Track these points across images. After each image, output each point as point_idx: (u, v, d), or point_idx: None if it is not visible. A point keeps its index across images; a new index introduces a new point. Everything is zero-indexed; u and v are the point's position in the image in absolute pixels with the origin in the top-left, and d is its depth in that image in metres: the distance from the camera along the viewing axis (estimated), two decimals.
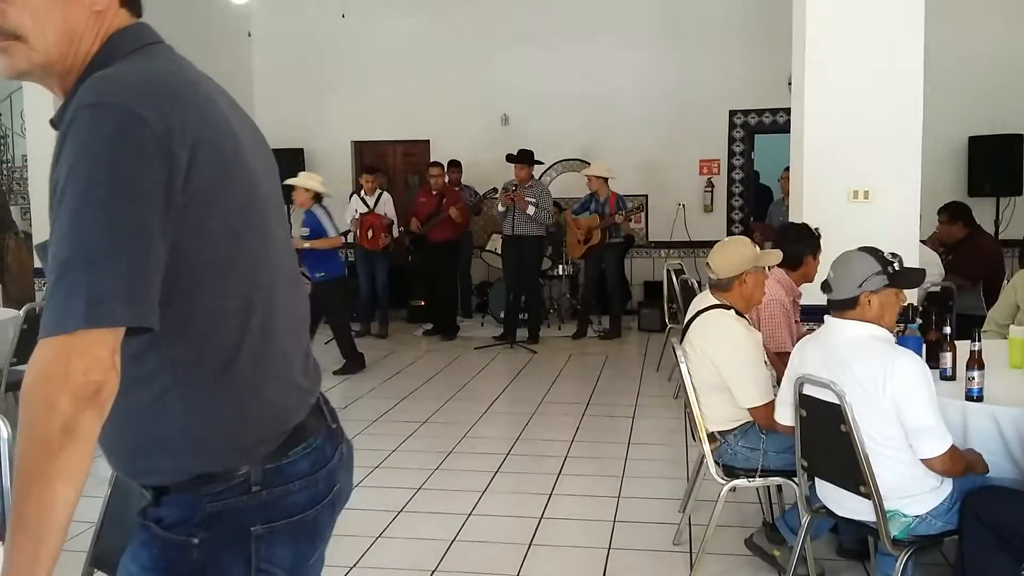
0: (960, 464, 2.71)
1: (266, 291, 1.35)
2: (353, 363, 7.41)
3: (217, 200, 1.26)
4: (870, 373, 2.69)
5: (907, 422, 2.66)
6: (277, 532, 1.35)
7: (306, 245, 6.96)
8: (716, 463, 3.46)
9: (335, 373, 7.25)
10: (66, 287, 1.12)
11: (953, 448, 2.69)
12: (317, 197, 7.14)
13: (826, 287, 2.93)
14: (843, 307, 2.86)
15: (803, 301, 4.34)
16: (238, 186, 1.30)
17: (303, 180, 7.19)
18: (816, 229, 4.37)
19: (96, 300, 1.11)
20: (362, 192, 9.05)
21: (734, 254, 3.53)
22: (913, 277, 2.98)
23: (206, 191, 1.23)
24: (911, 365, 2.68)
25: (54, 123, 1.29)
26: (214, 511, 1.32)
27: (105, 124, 1.16)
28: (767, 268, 3.72)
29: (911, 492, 2.74)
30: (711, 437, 3.49)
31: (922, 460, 2.70)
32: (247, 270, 1.31)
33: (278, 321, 1.38)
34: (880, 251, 2.91)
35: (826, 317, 2.96)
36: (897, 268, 2.86)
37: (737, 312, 3.51)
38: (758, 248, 3.64)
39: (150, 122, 1.17)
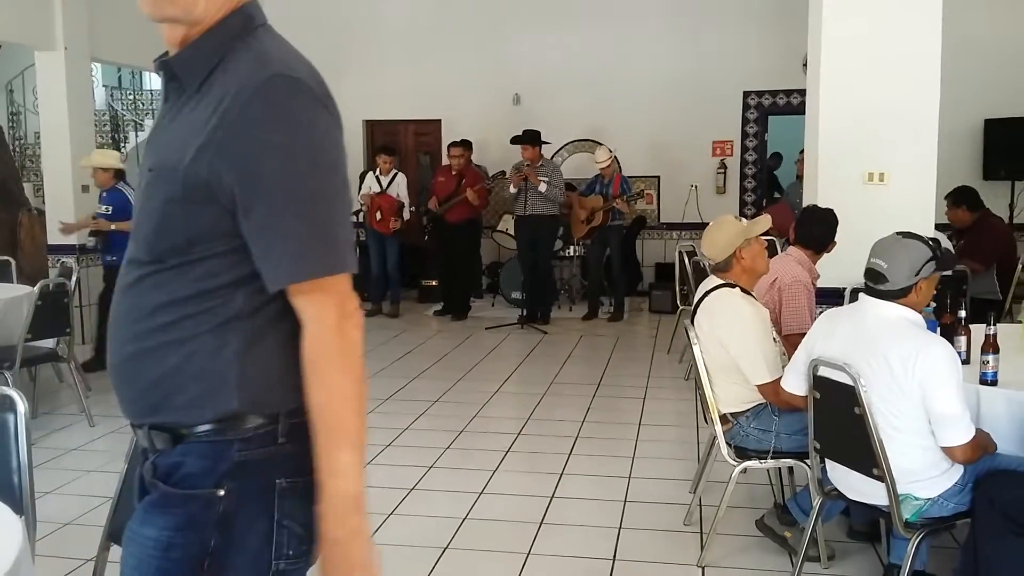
0: (979, 452, 2.71)
1: None
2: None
3: None
4: (901, 355, 2.67)
5: (933, 408, 2.65)
6: (299, 488, 1.37)
7: (112, 227, 6.49)
8: (728, 444, 3.47)
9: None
10: (311, 236, 1.29)
11: (975, 437, 2.68)
12: (119, 174, 6.68)
13: (878, 277, 2.79)
14: (897, 296, 2.78)
15: (819, 284, 4.34)
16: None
17: (100, 158, 6.68)
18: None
19: (341, 247, 1.32)
20: (377, 171, 9.03)
21: (721, 235, 3.54)
22: (950, 259, 2.97)
23: None
24: (944, 351, 2.67)
25: (174, 68, 1.39)
26: (241, 459, 1.34)
27: (306, 98, 1.31)
28: (776, 242, 3.70)
29: (924, 475, 2.75)
30: (723, 419, 3.50)
31: (943, 447, 2.69)
32: None
33: None
34: (921, 235, 2.90)
35: (861, 295, 2.92)
36: (941, 252, 2.85)
37: (743, 290, 3.51)
38: (744, 220, 3.64)
39: (330, 106, 1.36)
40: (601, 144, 9.25)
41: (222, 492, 1.33)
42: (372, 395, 6.07)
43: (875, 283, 2.80)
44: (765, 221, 3.68)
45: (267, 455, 1.35)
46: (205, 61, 1.36)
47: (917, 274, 2.77)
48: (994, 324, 3.00)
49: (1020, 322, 3.64)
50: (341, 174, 1.35)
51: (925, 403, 2.65)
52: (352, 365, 1.33)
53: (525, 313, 8.51)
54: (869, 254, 2.88)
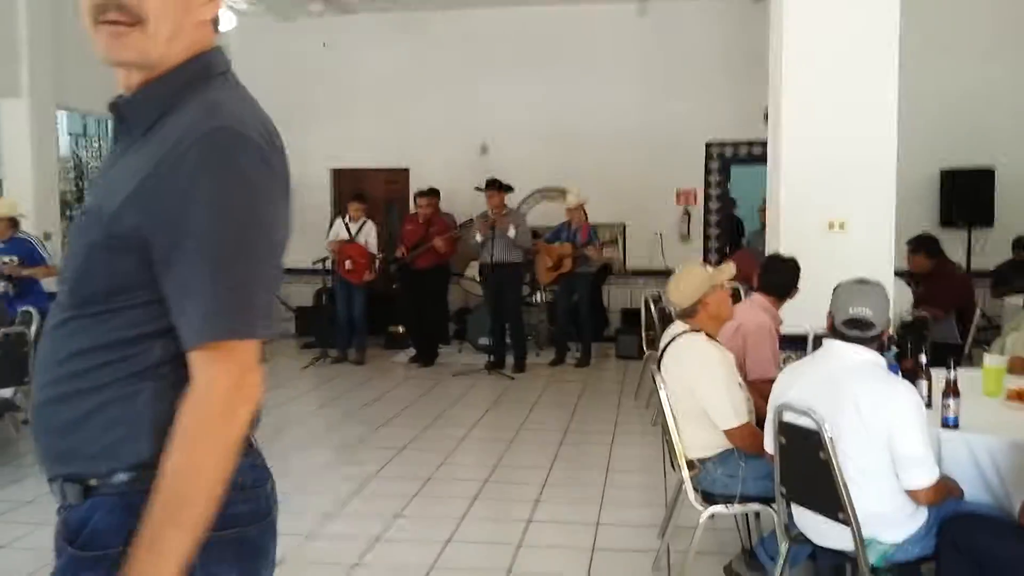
0: (942, 495, 2.74)
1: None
2: None
3: None
4: (871, 398, 2.71)
5: (898, 449, 2.68)
6: (217, 544, 1.28)
7: (25, 273, 6.41)
8: (695, 490, 3.47)
9: None
10: (225, 296, 1.22)
11: (939, 481, 2.71)
12: (14, 223, 6.57)
13: (865, 325, 2.82)
14: (873, 341, 2.84)
15: (782, 330, 4.39)
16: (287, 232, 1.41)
17: None
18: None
19: (256, 314, 1.25)
20: (347, 218, 9.03)
21: (688, 282, 3.60)
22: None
23: None
24: (910, 395, 2.73)
25: (122, 110, 1.37)
26: None
27: (249, 154, 1.27)
28: (740, 290, 3.77)
29: (889, 519, 2.76)
30: (690, 464, 3.50)
31: (908, 491, 2.72)
32: None
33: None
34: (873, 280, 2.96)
35: (826, 341, 2.96)
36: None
37: (708, 335, 3.56)
38: (709, 268, 3.71)
39: (276, 166, 1.32)
40: (570, 190, 9.34)
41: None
42: (338, 443, 6.01)
43: (863, 331, 2.83)
44: (729, 269, 3.73)
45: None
46: (154, 107, 1.33)
47: (889, 317, 2.87)
48: (954, 369, 3.05)
49: (981, 367, 3.70)
50: (272, 238, 1.30)
51: (891, 444, 2.68)
52: (225, 442, 1.23)
53: (492, 359, 8.49)
54: (842, 303, 2.88)
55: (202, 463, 1.21)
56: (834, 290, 2.96)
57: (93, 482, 1.30)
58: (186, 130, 1.26)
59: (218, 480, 1.22)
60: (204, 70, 1.37)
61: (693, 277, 3.61)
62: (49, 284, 6.62)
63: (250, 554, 1.36)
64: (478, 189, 8.53)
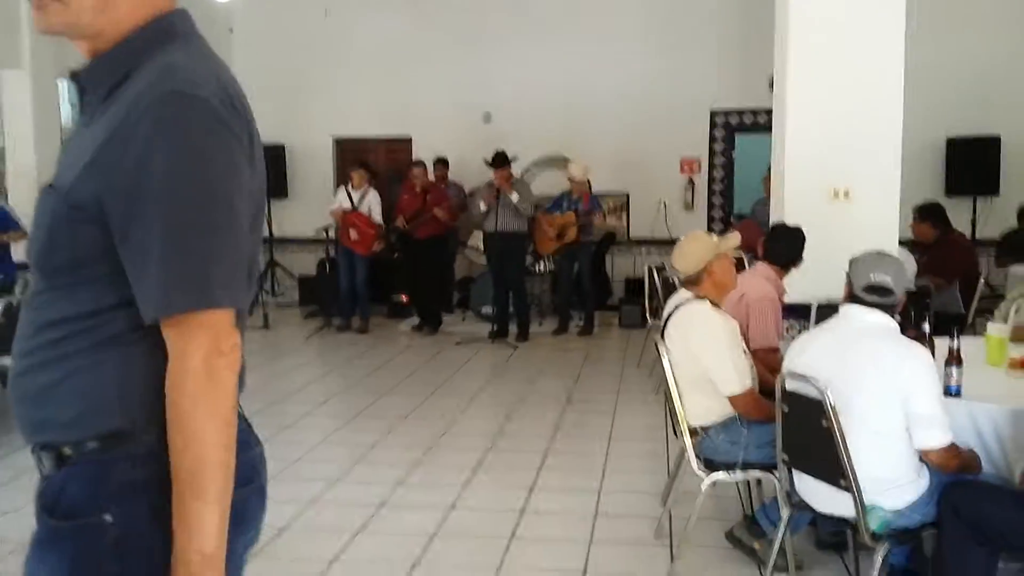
0: (956, 461, 2.76)
1: (249, 293, 1.40)
2: None
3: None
4: (889, 356, 2.75)
5: (914, 408, 2.70)
6: None
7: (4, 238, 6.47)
8: (697, 457, 3.49)
9: None
10: (180, 267, 1.20)
11: (952, 444, 2.74)
12: None
13: (882, 291, 2.85)
14: (891, 308, 2.88)
15: (786, 299, 4.39)
16: (258, 196, 1.38)
17: None
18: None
19: (215, 283, 1.22)
20: (350, 186, 9.01)
21: (693, 249, 3.59)
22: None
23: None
24: (926, 357, 2.77)
25: (81, 80, 1.35)
26: (127, 479, 1.27)
27: (203, 118, 1.23)
28: (743, 258, 3.77)
29: (891, 485, 2.78)
30: (692, 431, 3.52)
31: (921, 449, 2.75)
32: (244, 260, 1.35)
33: (244, 318, 1.39)
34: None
35: (843, 307, 2.98)
36: None
37: (712, 303, 3.56)
38: (715, 236, 3.71)
39: (235, 128, 1.28)
40: (573, 161, 9.31)
41: (109, 518, 1.26)
42: (340, 412, 6.04)
43: (883, 298, 2.86)
44: (735, 238, 3.74)
45: (156, 474, 1.25)
46: (109, 74, 1.31)
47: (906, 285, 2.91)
48: (957, 338, 3.06)
49: (984, 336, 3.70)
50: (231, 203, 1.25)
51: (907, 404, 2.70)
52: (217, 409, 1.22)
53: (496, 328, 8.51)
54: (862, 270, 2.90)
55: (201, 434, 1.21)
56: (851, 260, 2.99)
57: (67, 451, 1.30)
58: (139, 96, 1.23)
59: (223, 445, 1.23)
60: (161, 33, 1.33)
61: (699, 244, 3.60)
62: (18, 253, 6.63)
63: (233, 522, 1.31)
64: (487, 163, 8.48)
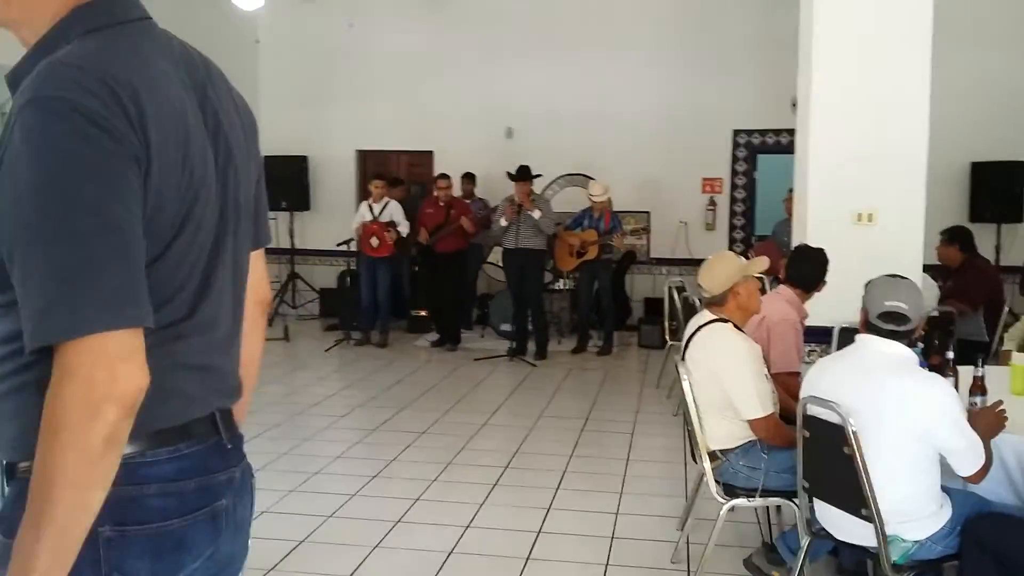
0: (989, 467, 2.76)
1: (185, 301, 1.29)
2: None
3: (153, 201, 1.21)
4: (905, 390, 2.71)
5: (944, 443, 2.68)
6: (130, 538, 1.22)
7: None
8: (716, 482, 3.46)
9: None
10: (51, 292, 1.08)
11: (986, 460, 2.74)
12: None
13: (897, 318, 2.80)
14: (907, 336, 2.83)
15: (808, 322, 4.36)
16: (176, 193, 1.24)
17: None
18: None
19: (94, 304, 1.09)
20: (370, 200, 9.06)
21: (722, 269, 3.57)
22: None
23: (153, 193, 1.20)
24: (945, 386, 2.74)
25: (7, 80, 1.25)
26: None
27: (67, 123, 1.11)
28: (763, 279, 3.75)
29: (913, 516, 2.75)
30: (712, 455, 3.49)
31: (964, 478, 2.76)
32: (165, 277, 1.26)
33: (187, 335, 1.30)
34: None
35: (859, 336, 2.93)
36: None
37: (735, 325, 3.54)
38: (743, 259, 3.69)
39: (116, 128, 1.14)
40: (593, 179, 9.32)
41: None
42: (359, 426, 6.05)
43: (898, 325, 2.81)
44: (763, 262, 3.74)
45: None
46: (23, 73, 1.20)
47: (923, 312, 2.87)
48: (982, 366, 3.02)
49: (1009, 364, 3.66)
50: (106, 212, 1.11)
51: (934, 439, 2.68)
52: (83, 443, 1.08)
53: (515, 345, 8.50)
54: (876, 297, 2.85)
55: (60, 464, 1.09)
56: (866, 285, 2.93)
57: (18, 468, 1.25)
58: (15, 102, 1.15)
59: (80, 483, 1.09)
60: (80, 23, 1.23)
61: (727, 264, 3.59)
62: None
63: (170, 549, 1.27)
64: (510, 176, 8.51)
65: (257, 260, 1.56)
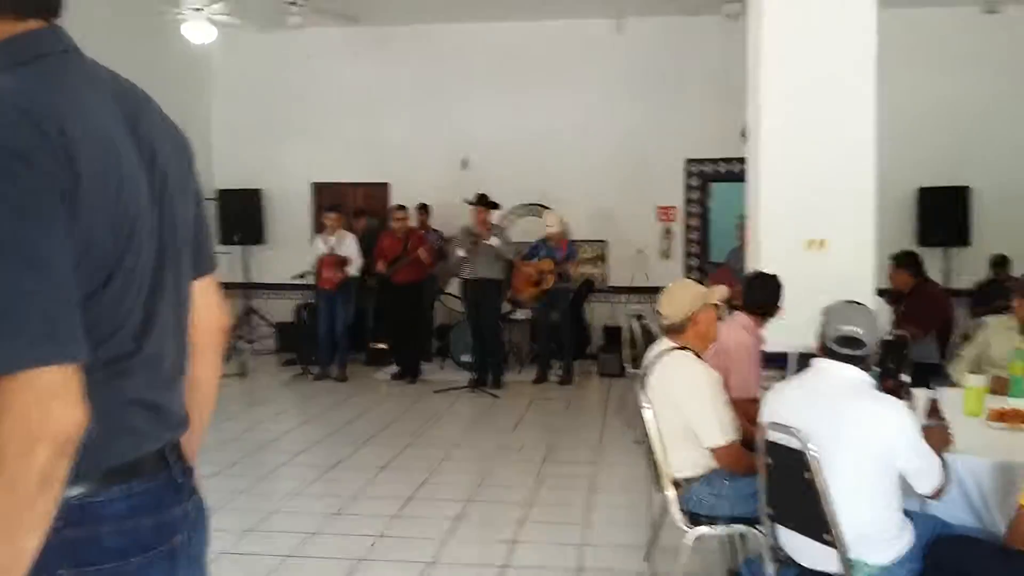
0: (947, 484, 2.80)
1: (129, 335, 1.27)
2: None
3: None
4: (865, 415, 2.73)
5: (905, 464, 2.71)
6: None
7: None
8: (680, 510, 3.46)
9: None
10: (4, 317, 1.05)
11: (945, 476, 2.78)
12: None
13: (856, 343, 2.83)
14: (863, 360, 2.86)
15: (765, 348, 4.40)
16: (110, 224, 1.21)
17: None
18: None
19: (50, 336, 1.07)
20: (325, 232, 9.01)
21: (681, 296, 3.60)
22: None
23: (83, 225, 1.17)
24: (903, 410, 2.76)
25: None
26: None
27: None
28: (719, 306, 3.78)
29: (876, 540, 2.77)
30: (675, 484, 3.49)
31: (926, 496, 2.79)
32: (107, 311, 1.23)
33: (133, 371, 1.29)
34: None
35: (815, 360, 2.96)
36: None
37: (695, 353, 3.56)
38: (702, 286, 3.72)
39: (40, 163, 1.11)
40: (550, 209, 9.37)
41: None
42: (317, 462, 5.96)
43: (854, 349, 2.84)
44: (722, 290, 3.77)
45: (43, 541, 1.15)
46: None
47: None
48: (936, 389, 3.07)
49: (961, 386, 3.73)
50: (34, 245, 1.09)
51: (895, 463, 2.70)
52: (19, 484, 1.05)
53: (476, 377, 8.47)
54: (833, 321, 2.89)
55: None
56: (823, 311, 2.97)
57: None
58: None
59: (13, 528, 1.06)
60: (11, 56, 1.21)
61: (687, 291, 3.62)
62: None
63: None
64: (468, 202, 8.54)
65: (207, 287, 1.54)
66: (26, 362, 1.06)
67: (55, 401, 1.07)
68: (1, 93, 1.14)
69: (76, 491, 1.19)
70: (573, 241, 8.96)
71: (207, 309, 1.53)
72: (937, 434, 2.91)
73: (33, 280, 1.08)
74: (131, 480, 1.28)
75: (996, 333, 4.58)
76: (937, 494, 2.77)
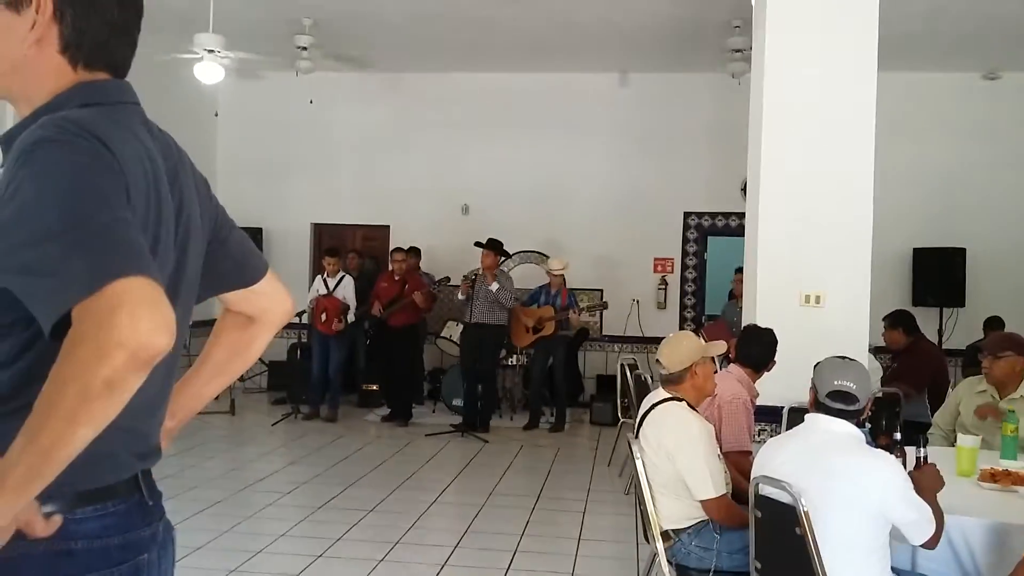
0: (942, 529, 2.79)
1: None
2: None
3: None
4: (857, 470, 2.73)
5: (898, 516, 2.70)
6: None
7: None
8: (669, 562, 3.43)
9: None
10: (98, 242, 1.14)
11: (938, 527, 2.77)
12: None
13: (849, 398, 2.85)
14: (856, 415, 2.88)
15: (759, 402, 4.40)
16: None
17: None
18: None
19: (137, 255, 1.16)
20: (325, 274, 9.04)
21: (682, 347, 3.61)
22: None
23: None
24: (894, 465, 2.77)
25: (2, 141, 1.35)
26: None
27: (61, 155, 1.21)
28: (714, 359, 3.80)
29: None
30: (664, 535, 3.47)
31: (921, 546, 2.78)
32: None
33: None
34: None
35: (809, 415, 2.97)
36: None
37: (689, 405, 3.56)
38: (703, 339, 3.74)
39: (109, 151, 1.24)
40: (547, 257, 9.42)
41: None
42: (305, 503, 5.90)
43: (847, 404, 2.86)
44: (722, 345, 3.80)
45: (20, 553, 1.23)
46: (17, 133, 1.33)
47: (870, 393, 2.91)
48: (924, 446, 3.06)
49: (954, 446, 3.72)
50: (116, 210, 1.21)
51: (888, 515, 2.69)
52: (83, 384, 1.11)
53: (463, 421, 8.43)
54: (826, 376, 2.91)
55: (58, 394, 1.12)
56: (816, 366, 2.99)
57: None
58: (13, 154, 1.25)
59: (71, 417, 1.11)
60: (80, 97, 1.36)
61: (688, 343, 3.63)
62: None
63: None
64: (478, 244, 8.59)
65: (270, 281, 1.71)
66: (118, 271, 1.12)
67: (145, 311, 1.12)
68: (76, 117, 1.28)
69: (49, 508, 1.25)
70: (572, 290, 8.99)
71: (269, 299, 1.71)
72: (929, 474, 2.90)
73: (112, 216, 1.17)
74: (106, 502, 1.35)
75: (966, 396, 4.57)
76: (933, 542, 2.75)
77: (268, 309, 1.73)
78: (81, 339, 1.11)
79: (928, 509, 2.73)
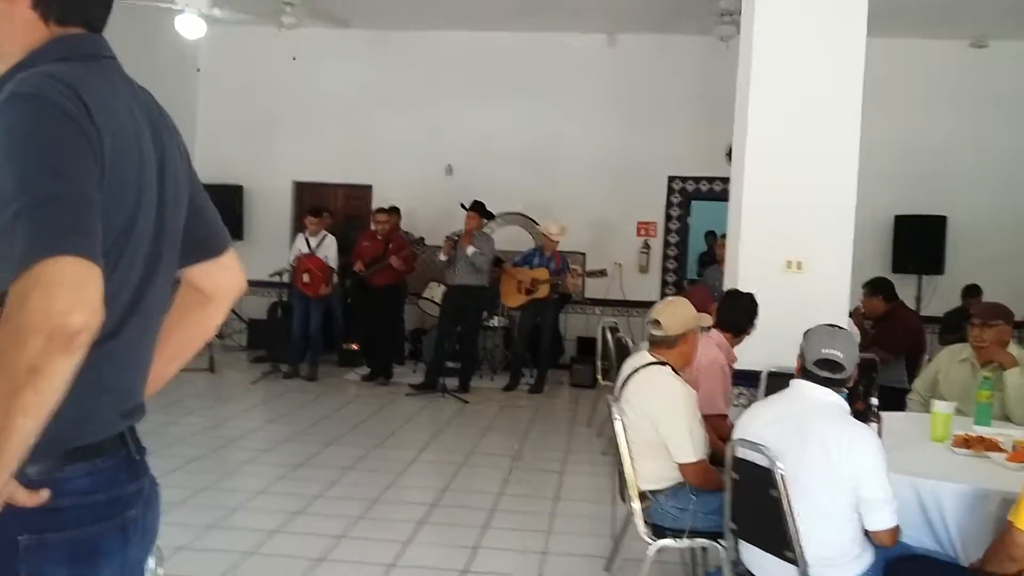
0: (896, 536, 2.77)
1: (115, 316, 1.33)
2: None
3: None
4: (836, 439, 2.73)
5: (864, 492, 2.69)
6: (49, 545, 1.29)
7: None
8: (645, 522, 3.46)
9: None
10: (38, 216, 1.12)
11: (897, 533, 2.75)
12: None
13: (836, 367, 2.86)
14: (842, 384, 2.89)
15: (737, 366, 4.41)
16: (122, 207, 1.32)
17: None
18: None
19: (78, 230, 1.13)
20: (306, 233, 8.96)
21: (682, 313, 3.61)
22: None
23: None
24: (872, 437, 2.77)
25: None
26: None
27: (33, 113, 1.20)
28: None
29: (836, 561, 2.77)
30: (641, 496, 3.49)
31: (872, 531, 2.74)
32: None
33: (112, 354, 1.35)
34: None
35: (794, 381, 2.97)
36: None
37: (673, 369, 3.56)
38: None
39: (70, 115, 1.23)
40: (551, 221, 9.34)
41: None
42: (283, 461, 5.91)
43: (833, 372, 2.87)
44: (708, 319, 3.82)
45: (5, 509, 1.22)
46: None
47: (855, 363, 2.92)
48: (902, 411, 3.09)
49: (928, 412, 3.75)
50: (72, 178, 1.21)
51: (857, 486, 2.70)
52: (10, 368, 1.09)
53: (425, 380, 8.45)
54: (814, 344, 2.91)
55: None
56: (805, 333, 3.00)
57: None
58: None
59: (7, 412, 1.09)
60: (57, 52, 1.35)
61: (686, 309, 3.63)
62: None
63: (87, 555, 1.34)
64: (464, 206, 8.54)
65: (232, 258, 1.72)
66: (49, 249, 1.10)
67: (60, 291, 1.09)
68: (55, 71, 1.27)
69: (37, 467, 1.26)
70: (564, 256, 8.96)
71: (231, 273, 1.72)
72: None
73: (61, 186, 1.16)
74: (93, 459, 1.37)
75: (946, 364, 4.59)
76: (889, 537, 2.73)
77: (225, 285, 1.71)
78: (5, 321, 1.10)
79: (894, 500, 2.71)
